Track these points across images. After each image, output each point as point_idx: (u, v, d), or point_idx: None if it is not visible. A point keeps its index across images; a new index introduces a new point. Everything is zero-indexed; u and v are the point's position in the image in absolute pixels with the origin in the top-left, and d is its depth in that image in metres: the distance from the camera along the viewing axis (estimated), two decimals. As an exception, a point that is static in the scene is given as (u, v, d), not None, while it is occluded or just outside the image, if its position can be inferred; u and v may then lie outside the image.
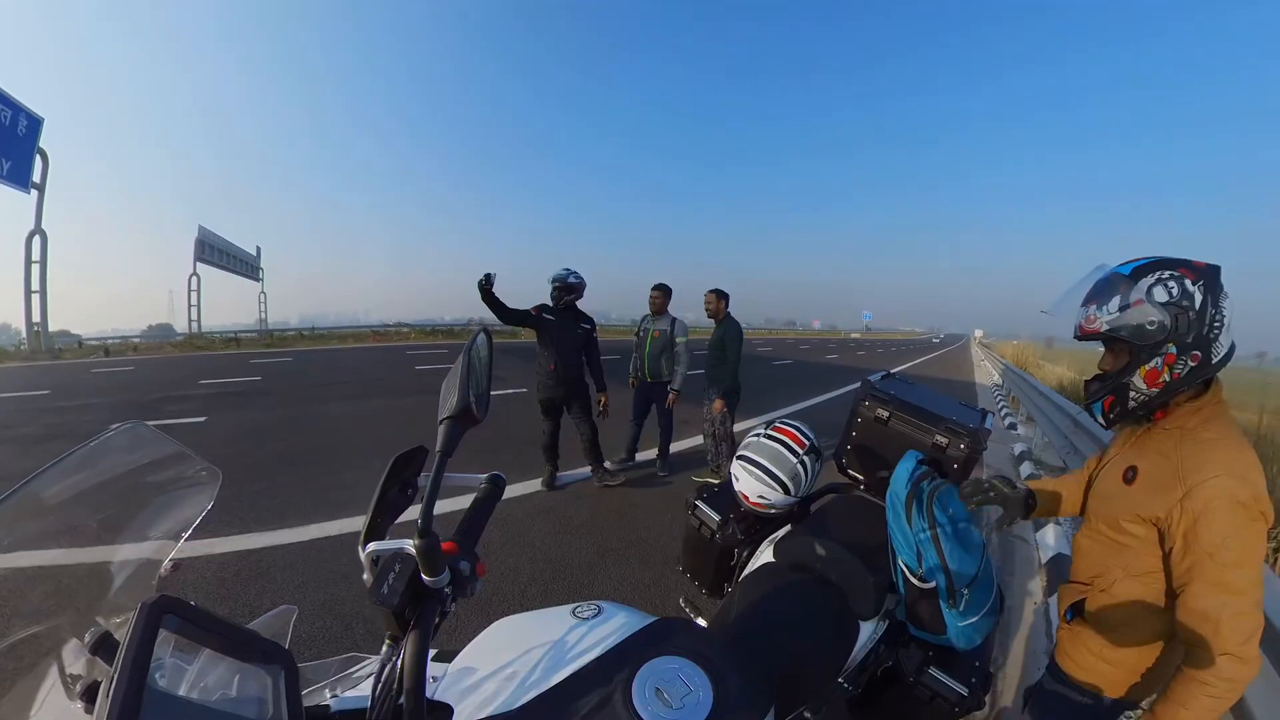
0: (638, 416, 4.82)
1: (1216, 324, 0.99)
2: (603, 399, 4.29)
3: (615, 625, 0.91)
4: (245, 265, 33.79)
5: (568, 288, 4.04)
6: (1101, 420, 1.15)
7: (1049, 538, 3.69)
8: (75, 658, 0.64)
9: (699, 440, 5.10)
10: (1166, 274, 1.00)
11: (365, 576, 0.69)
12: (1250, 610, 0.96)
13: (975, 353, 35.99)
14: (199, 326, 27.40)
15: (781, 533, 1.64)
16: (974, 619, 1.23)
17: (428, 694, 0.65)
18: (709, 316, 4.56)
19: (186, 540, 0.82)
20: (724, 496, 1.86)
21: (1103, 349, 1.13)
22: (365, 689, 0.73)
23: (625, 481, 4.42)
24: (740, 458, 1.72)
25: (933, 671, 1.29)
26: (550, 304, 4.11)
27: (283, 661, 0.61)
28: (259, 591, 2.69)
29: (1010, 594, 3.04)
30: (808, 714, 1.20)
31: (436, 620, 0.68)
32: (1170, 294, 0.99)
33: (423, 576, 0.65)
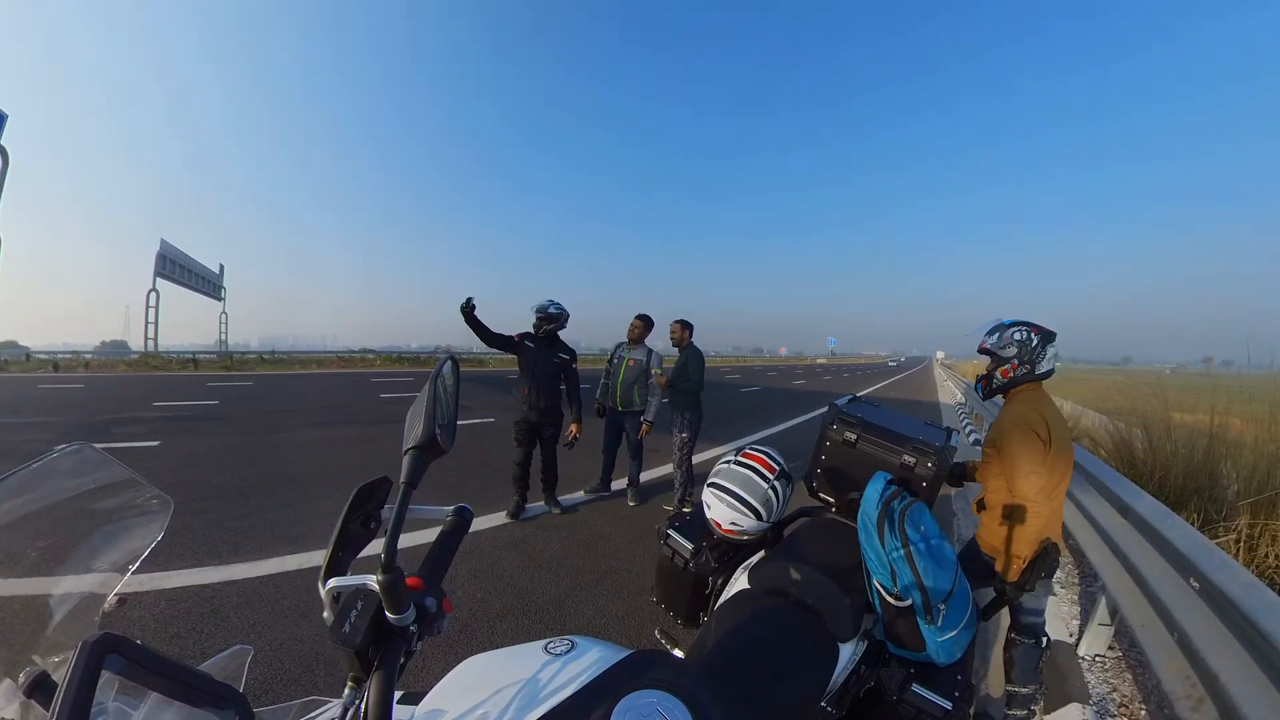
0: (609, 446, 4.82)
1: (1040, 355, 1.92)
2: (574, 429, 4.29)
3: (590, 660, 0.88)
4: (207, 283, 32.71)
5: (549, 317, 4.19)
6: (980, 394, 2.11)
7: (1016, 551, 3.80)
8: (8, 700, 0.60)
9: (669, 469, 5.10)
10: (1023, 328, 1.96)
11: (326, 614, 0.66)
12: (1029, 475, 1.77)
13: (938, 373, 37.17)
14: (155, 345, 26.28)
15: (755, 559, 1.64)
16: (952, 633, 1.24)
17: None
18: (674, 345, 4.74)
19: (134, 573, 0.77)
20: (696, 524, 1.85)
21: (988, 359, 2.07)
22: None
23: (563, 511, 4.39)
24: (711, 485, 1.71)
25: (915, 688, 1.29)
26: (532, 331, 4.24)
27: (237, 706, 0.57)
28: (211, 630, 2.53)
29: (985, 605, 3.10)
30: None
31: (402, 660, 0.65)
32: (1020, 337, 1.95)
33: (387, 614, 0.63)
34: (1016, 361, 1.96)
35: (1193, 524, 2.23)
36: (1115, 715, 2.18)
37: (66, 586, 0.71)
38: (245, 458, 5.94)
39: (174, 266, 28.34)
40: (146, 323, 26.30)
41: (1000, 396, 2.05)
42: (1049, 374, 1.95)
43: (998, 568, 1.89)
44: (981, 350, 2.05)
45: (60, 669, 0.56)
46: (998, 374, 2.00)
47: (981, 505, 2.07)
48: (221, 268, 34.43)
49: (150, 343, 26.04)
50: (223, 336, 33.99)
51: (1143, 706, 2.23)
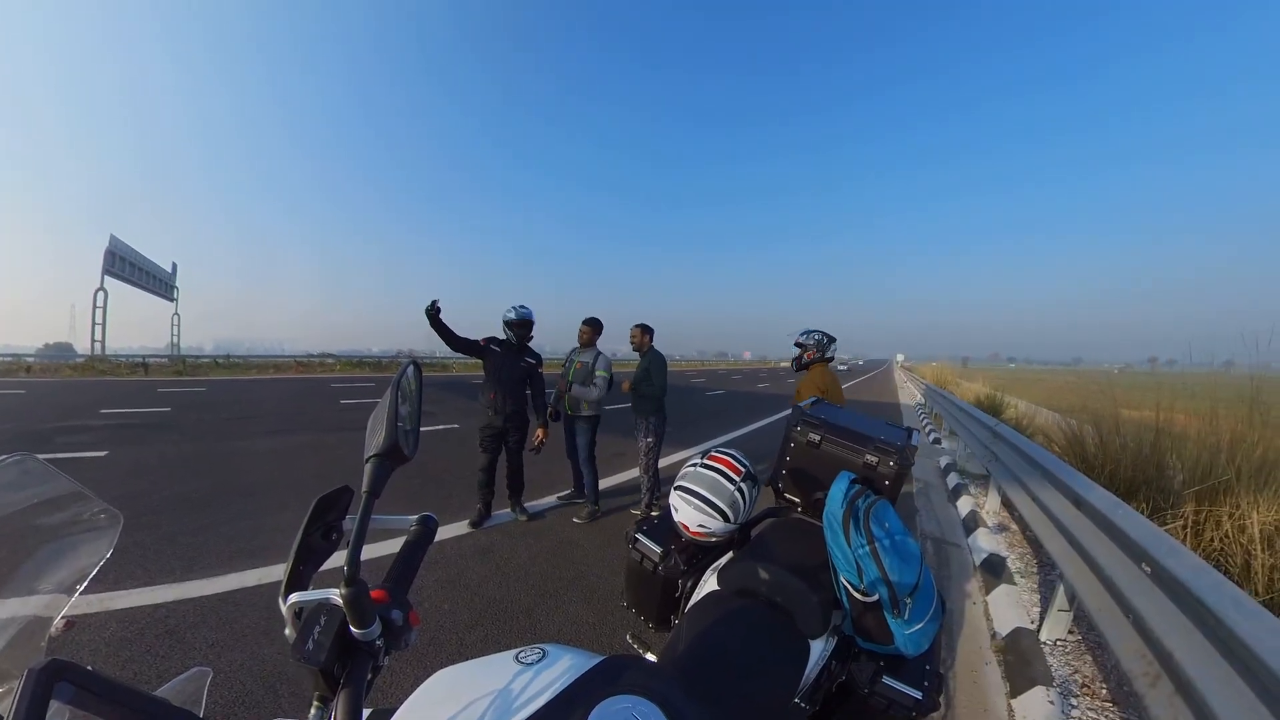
0: (571, 451, 4.72)
1: (826, 347, 3.69)
2: (540, 434, 4.22)
3: (562, 668, 0.87)
4: (159, 283, 31.17)
5: (523, 323, 4.17)
6: (793, 368, 3.74)
7: (980, 541, 3.93)
8: (-53, 736, 0.54)
9: (635, 473, 5.06)
10: (818, 332, 3.72)
11: (288, 631, 0.63)
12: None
13: (898, 376, 38.36)
14: (103, 348, 24.88)
15: (724, 560, 1.65)
16: (919, 625, 1.28)
17: None
18: (634, 350, 4.66)
19: (81, 594, 0.73)
20: (664, 528, 1.86)
21: (796, 350, 3.71)
22: None
23: (530, 518, 4.34)
24: (678, 488, 1.72)
25: (886, 680, 1.33)
26: (503, 337, 4.21)
27: None
28: (167, 652, 2.40)
29: (950, 597, 3.19)
30: None
31: (369, 676, 0.63)
32: (817, 337, 3.69)
33: (351, 629, 0.61)
34: (815, 350, 3.68)
35: (1143, 513, 2.35)
36: (1078, 695, 2.28)
37: (9, 610, 0.66)
38: (199, 468, 5.68)
39: (124, 264, 26.90)
40: (94, 324, 24.89)
41: (804, 371, 3.72)
42: (831, 359, 3.74)
43: None
44: (796, 344, 3.76)
45: (5, 699, 0.53)
46: (804, 356, 3.70)
47: None
48: (174, 266, 32.90)
49: (97, 345, 24.65)
50: (175, 339, 32.46)
51: (1104, 685, 2.34)
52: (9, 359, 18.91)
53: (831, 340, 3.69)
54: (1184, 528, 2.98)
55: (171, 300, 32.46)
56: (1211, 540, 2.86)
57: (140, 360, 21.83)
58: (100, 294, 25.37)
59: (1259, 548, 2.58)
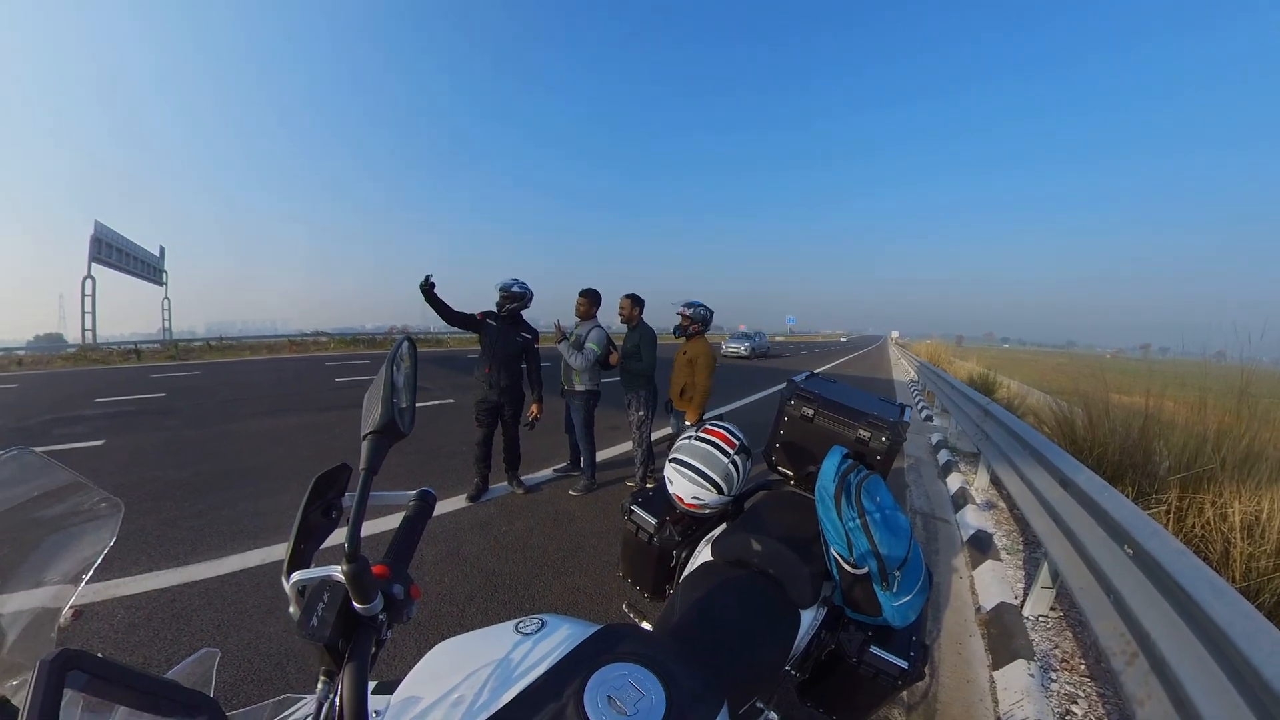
0: (569, 426, 4.71)
1: (708, 319, 4.35)
2: (534, 409, 4.23)
3: (560, 637, 0.90)
4: (147, 268, 30.69)
5: (512, 296, 4.13)
6: (676, 334, 4.40)
7: (969, 518, 4.01)
8: (-35, 729, 0.57)
9: (629, 446, 5.09)
10: (702, 306, 4.33)
11: (291, 609, 0.65)
12: (707, 371, 4.15)
13: (892, 352, 38.39)
14: (94, 336, 24.56)
15: (717, 531, 1.69)
16: (907, 598, 1.31)
17: None
18: (622, 322, 4.59)
19: (87, 583, 0.74)
20: (659, 500, 1.89)
21: (689, 318, 4.30)
22: None
23: (526, 491, 4.38)
24: (673, 460, 1.74)
25: (874, 650, 1.37)
26: (495, 310, 4.17)
27: (208, 711, 0.56)
28: (175, 635, 2.44)
29: (937, 571, 3.27)
30: (760, 703, 1.24)
31: (373, 650, 0.65)
32: (703, 312, 4.32)
33: (354, 604, 0.62)
34: (699, 322, 4.28)
35: (1128, 496, 2.39)
36: (1058, 670, 2.35)
37: (17, 604, 0.67)
38: (196, 452, 5.69)
39: (111, 250, 26.45)
40: (83, 313, 24.53)
41: (685, 337, 4.31)
42: (707, 329, 4.35)
43: (681, 408, 4.30)
44: (679, 313, 4.31)
45: (20, 692, 0.54)
46: (690, 327, 4.26)
47: (682, 392, 4.24)
48: (162, 250, 32.36)
49: (88, 334, 24.33)
50: (166, 324, 32.09)
51: (1082, 661, 2.41)
52: (0, 353, 18.69)
53: (711, 314, 4.37)
54: (1167, 513, 3.03)
55: (161, 285, 32.03)
56: (1194, 527, 2.91)
57: (132, 347, 21.63)
58: (88, 282, 24.98)
59: (1239, 536, 2.63)
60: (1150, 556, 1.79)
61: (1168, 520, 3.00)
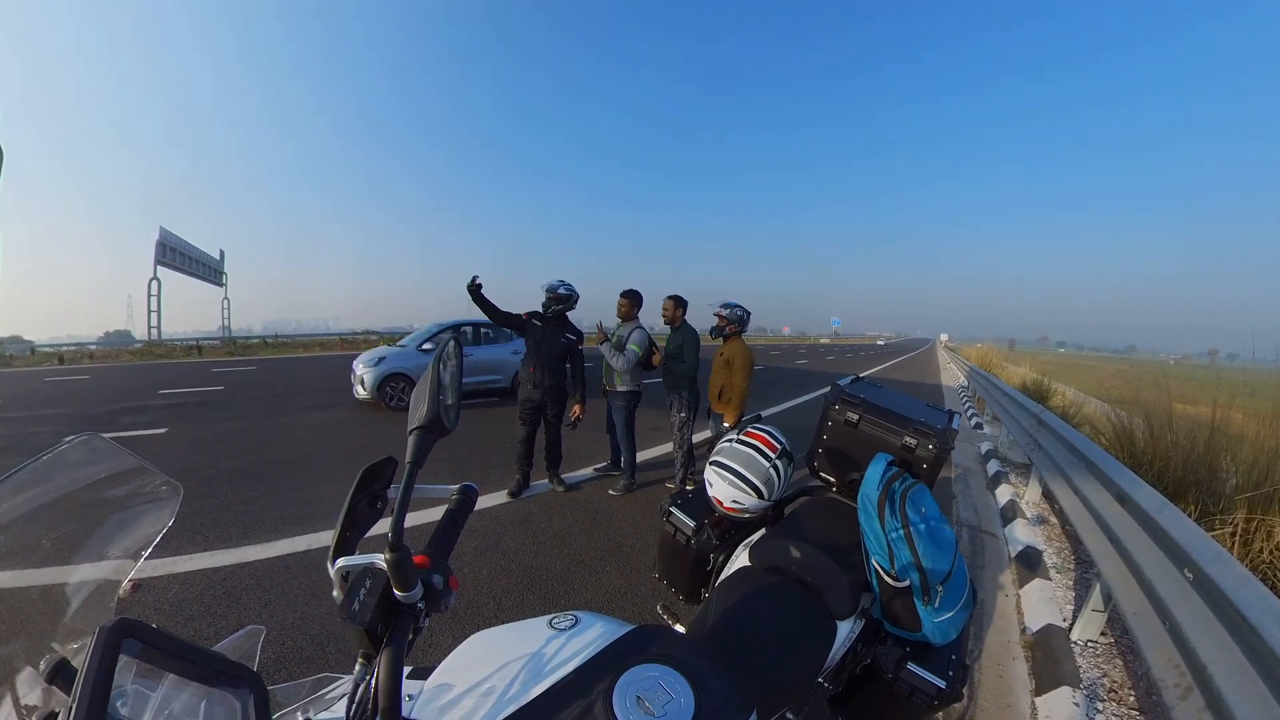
0: (610, 426, 4.76)
1: (745, 321, 4.25)
2: (576, 409, 4.30)
3: (593, 635, 0.91)
4: (208, 269, 32.69)
5: (558, 298, 4.20)
6: (712, 334, 4.35)
7: (1017, 532, 3.82)
8: (30, 688, 0.61)
9: (669, 448, 5.06)
10: (740, 307, 4.25)
11: (335, 593, 0.67)
12: (746, 372, 4.10)
13: (941, 356, 36.99)
14: (159, 333, 26.36)
15: (756, 536, 1.66)
16: (949, 614, 1.26)
17: (404, 713, 0.64)
18: (665, 323, 4.55)
19: (146, 559, 0.79)
20: (698, 502, 1.87)
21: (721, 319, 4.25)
22: (339, 710, 0.72)
23: (566, 489, 4.42)
24: (713, 463, 1.72)
25: (911, 667, 1.32)
26: (541, 311, 4.25)
27: (251, 684, 0.59)
28: (224, 612, 2.58)
29: (981, 588, 3.13)
30: (789, 715, 1.21)
31: (410, 636, 0.66)
32: (740, 312, 4.23)
33: (395, 592, 0.64)
34: (736, 323, 4.19)
35: (1190, 515, 2.23)
36: (1104, 700, 2.21)
37: (82, 575, 0.72)
38: (251, 442, 6.00)
39: (174, 254, 28.32)
40: (149, 311, 26.37)
41: (722, 338, 4.26)
42: (744, 330, 4.25)
43: (720, 410, 4.24)
44: (715, 314, 4.23)
45: (79, 655, 0.58)
46: (726, 327, 4.19)
47: (720, 394, 4.20)
48: (222, 253, 34.37)
49: (154, 331, 26.11)
50: (225, 322, 34.05)
51: (1131, 692, 2.26)
52: (73, 348, 20.29)
53: (749, 315, 4.27)
54: (1232, 535, 2.82)
55: (221, 285, 34.01)
56: (1261, 551, 2.70)
57: (194, 343, 23.04)
58: (154, 283, 26.85)
59: (1312, 564, 2.43)
60: (1212, 582, 1.67)
61: (1232, 543, 2.79)
